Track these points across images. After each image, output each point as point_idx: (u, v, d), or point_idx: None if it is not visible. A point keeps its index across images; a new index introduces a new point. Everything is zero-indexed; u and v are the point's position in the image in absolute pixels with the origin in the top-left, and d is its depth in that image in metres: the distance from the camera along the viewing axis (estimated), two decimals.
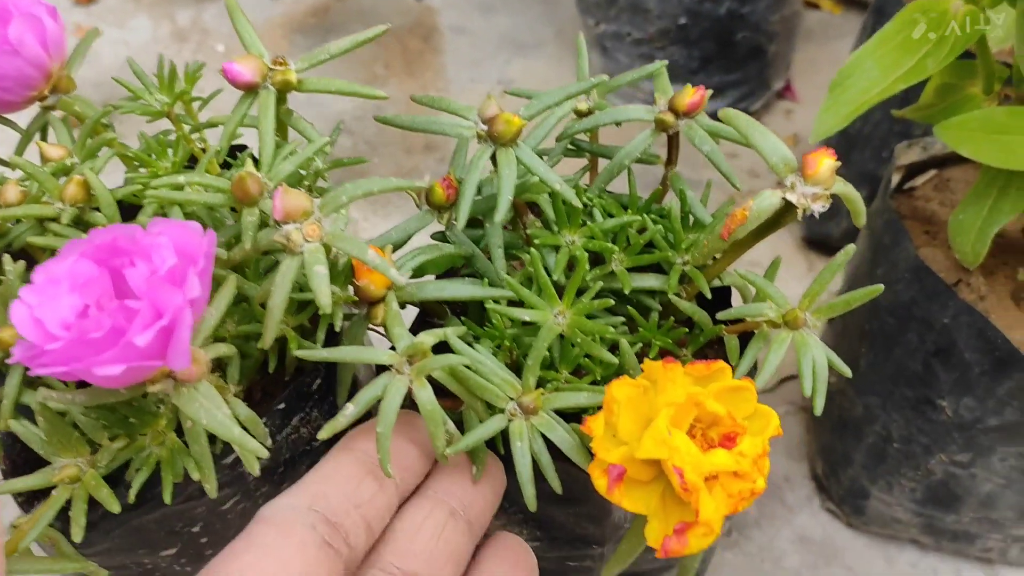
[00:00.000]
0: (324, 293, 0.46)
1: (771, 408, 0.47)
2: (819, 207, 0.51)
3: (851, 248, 0.52)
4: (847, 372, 0.56)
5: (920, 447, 0.81)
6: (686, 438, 0.44)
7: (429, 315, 0.64)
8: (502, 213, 0.53)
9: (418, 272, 0.73)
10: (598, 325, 0.53)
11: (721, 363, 0.47)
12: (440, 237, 0.60)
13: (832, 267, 0.53)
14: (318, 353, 0.48)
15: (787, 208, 0.52)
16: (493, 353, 0.56)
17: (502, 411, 0.51)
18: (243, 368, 0.59)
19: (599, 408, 0.48)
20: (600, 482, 0.45)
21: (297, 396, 0.58)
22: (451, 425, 0.50)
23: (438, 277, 0.64)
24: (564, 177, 0.64)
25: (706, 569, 0.80)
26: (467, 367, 0.50)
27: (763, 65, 1.36)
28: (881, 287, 0.52)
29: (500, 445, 0.55)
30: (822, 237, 1.20)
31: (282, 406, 0.57)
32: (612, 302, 0.53)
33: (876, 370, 0.84)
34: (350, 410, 0.48)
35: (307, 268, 0.47)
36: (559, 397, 0.51)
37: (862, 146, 1.12)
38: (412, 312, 0.65)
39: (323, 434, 0.47)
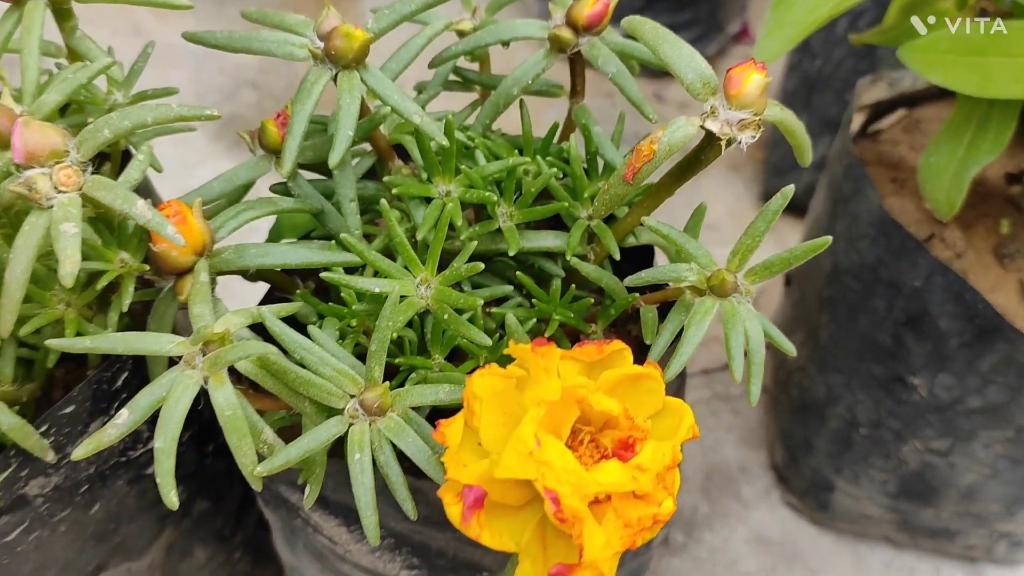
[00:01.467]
0: (71, 260, 0.34)
1: (683, 403, 0.37)
2: (747, 137, 0.40)
3: (789, 189, 0.41)
4: (791, 350, 0.45)
5: (891, 433, 0.72)
6: (562, 449, 0.33)
7: (280, 290, 0.52)
8: (339, 153, 0.42)
9: (274, 237, 0.62)
10: (468, 297, 0.42)
11: (618, 344, 0.37)
12: (281, 190, 0.49)
13: (766, 215, 0.42)
14: (78, 343, 0.37)
15: (708, 140, 0.42)
16: (341, 337, 0.45)
17: (341, 412, 0.40)
18: (35, 362, 0.48)
19: None
20: (453, 510, 0.34)
21: (94, 396, 0.46)
22: (270, 435, 0.39)
23: (300, 239, 0.53)
24: (442, 114, 0.53)
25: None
26: (289, 357, 0.39)
27: (715, 5, 1.25)
28: (829, 239, 0.42)
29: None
30: None
31: (71, 409, 0.45)
32: (482, 266, 0.42)
33: (839, 344, 0.74)
34: (123, 418, 0.37)
35: (52, 227, 0.35)
36: (412, 393, 0.40)
37: (823, 88, 1.01)
38: (263, 289, 0.54)
39: (78, 453, 0.35)
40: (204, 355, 0.37)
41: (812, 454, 0.81)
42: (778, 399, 0.88)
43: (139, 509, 0.54)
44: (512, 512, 0.35)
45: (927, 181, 0.64)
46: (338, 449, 0.45)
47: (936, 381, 0.66)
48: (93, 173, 0.37)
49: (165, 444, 0.36)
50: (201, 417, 0.57)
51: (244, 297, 0.58)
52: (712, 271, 0.44)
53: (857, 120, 0.75)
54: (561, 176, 0.50)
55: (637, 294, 0.48)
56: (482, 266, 0.42)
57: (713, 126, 0.40)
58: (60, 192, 0.36)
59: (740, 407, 0.94)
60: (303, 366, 0.39)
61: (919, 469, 0.73)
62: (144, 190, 0.65)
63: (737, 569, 0.82)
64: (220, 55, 1.31)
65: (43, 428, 0.44)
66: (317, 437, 0.39)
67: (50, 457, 0.44)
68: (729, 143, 0.41)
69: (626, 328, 0.53)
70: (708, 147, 0.42)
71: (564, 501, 0.32)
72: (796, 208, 1.04)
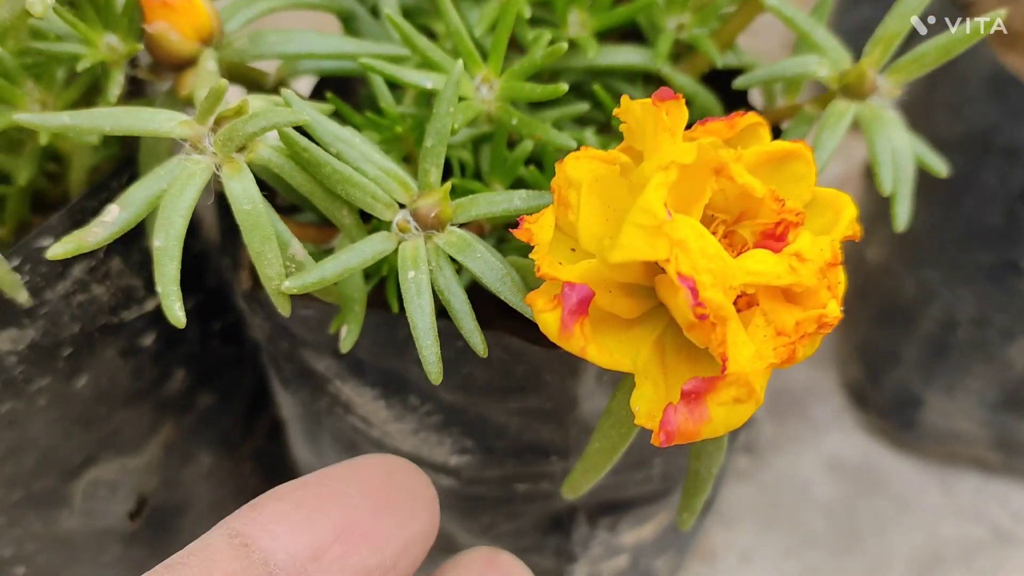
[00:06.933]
0: None
1: (841, 192, 0.29)
2: None
3: None
4: (941, 170, 0.38)
5: (997, 331, 0.65)
6: (699, 227, 0.25)
7: None
8: None
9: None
10: (546, 88, 0.34)
11: (753, 116, 0.29)
12: None
13: None
14: (51, 119, 0.29)
15: None
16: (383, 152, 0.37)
17: (388, 225, 0.32)
18: (6, 200, 0.41)
19: None
20: (548, 317, 0.27)
21: (76, 227, 0.39)
22: (299, 250, 0.32)
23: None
24: None
25: (713, 498, 0.63)
26: (320, 147, 0.31)
27: None
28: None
29: (393, 296, 0.37)
30: None
31: (48, 243, 0.38)
32: (565, 47, 0.34)
33: (935, 232, 0.66)
34: (113, 215, 0.29)
35: None
36: (478, 201, 0.32)
37: None
38: None
39: (54, 250, 0.28)
40: (215, 134, 0.29)
41: (897, 366, 0.73)
42: (854, 308, 0.81)
43: (134, 393, 0.46)
44: (622, 328, 0.28)
45: None
46: (379, 296, 0.38)
47: None
48: None
49: (167, 243, 0.28)
50: (205, 286, 0.49)
51: None
52: (846, 67, 0.36)
53: None
54: None
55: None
56: (565, 47, 0.34)
57: None
58: None
59: None
60: (339, 159, 0.31)
61: None
62: None
63: (810, 495, 0.75)
64: None
65: (15, 263, 0.36)
66: (359, 253, 0.31)
67: (23, 298, 0.37)
68: None
69: None
70: None
71: (704, 292, 0.24)
72: None
